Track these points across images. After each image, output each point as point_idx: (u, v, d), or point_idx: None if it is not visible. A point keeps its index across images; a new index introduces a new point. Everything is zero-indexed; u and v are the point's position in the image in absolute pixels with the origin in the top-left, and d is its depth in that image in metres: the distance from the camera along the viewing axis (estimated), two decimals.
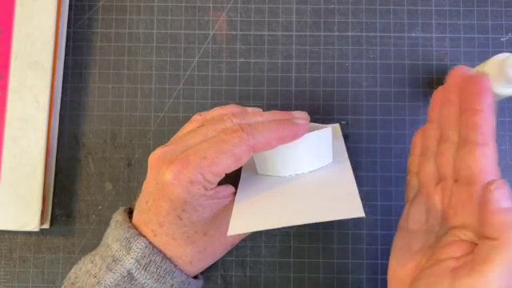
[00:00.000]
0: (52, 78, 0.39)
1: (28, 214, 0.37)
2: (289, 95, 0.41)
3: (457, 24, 0.41)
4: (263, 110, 0.40)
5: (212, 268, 0.38)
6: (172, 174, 0.27)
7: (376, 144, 0.40)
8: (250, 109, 0.33)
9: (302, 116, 0.32)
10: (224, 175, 0.28)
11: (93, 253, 0.31)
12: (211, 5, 0.41)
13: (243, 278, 0.39)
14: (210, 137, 0.29)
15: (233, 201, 0.30)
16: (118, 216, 0.31)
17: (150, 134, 0.41)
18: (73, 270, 0.31)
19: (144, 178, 0.40)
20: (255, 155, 0.32)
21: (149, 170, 0.30)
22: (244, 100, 0.41)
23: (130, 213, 0.33)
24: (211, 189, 0.28)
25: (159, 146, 0.40)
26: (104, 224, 0.40)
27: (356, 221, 0.39)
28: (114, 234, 0.30)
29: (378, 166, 0.40)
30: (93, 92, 0.41)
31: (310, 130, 0.31)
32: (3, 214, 0.37)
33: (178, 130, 0.40)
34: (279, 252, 0.39)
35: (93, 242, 0.40)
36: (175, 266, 0.29)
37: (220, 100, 0.41)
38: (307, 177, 0.31)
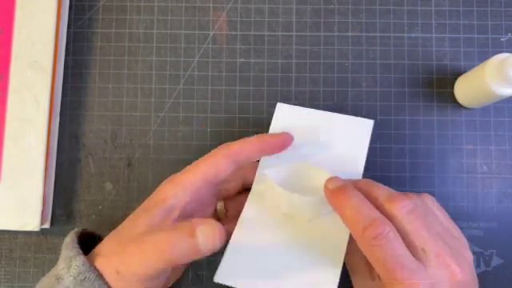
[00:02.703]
0: (52, 79, 0.39)
1: (28, 213, 0.37)
2: (289, 95, 0.41)
3: (456, 24, 0.41)
4: (263, 110, 0.41)
5: (211, 268, 0.38)
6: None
7: (376, 144, 0.40)
8: None
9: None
10: (205, 185, 0.31)
11: (46, 274, 0.32)
12: (211, 5, 0.42)
13: None
14: None
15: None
16: (68, 238, 0.32)
17: (150, 133, 0.41)
18: None
19: (144, 178, 0.40)
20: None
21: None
22: (244, 100, 0.41)
23: (83, 233, 0.34)
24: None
25: (159, 145, 0.40)
26: (104, 224, 0.40)
27: None
28: (62, 254, 0.31)
29: (378, 165, 0.40)
30: (93, 92, 0.41)
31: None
32: (3, 213, 0.37)
33: (178, 130, 0.41)
34: None
35: None
36: (107, 283, 0.30)
37: (220, 100, 0.41)
38: (304, 230, 0.33)
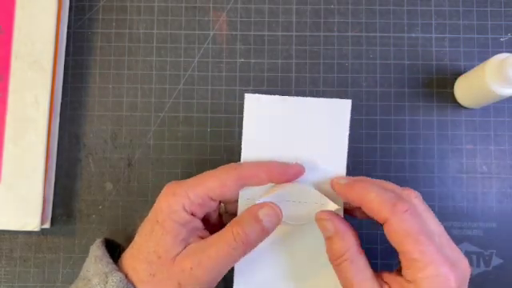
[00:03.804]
0: (52, 79, 0.39)
1: (29, 213, 0.37)
2: (289, 95, 0.41)
3: (456, 24, 0.41)
4: None
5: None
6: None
7: (376, 144, 0.40)
8: None
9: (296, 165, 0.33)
10: (209, 199, 0.31)
11: (73, 286, 0.32)
12: (211, 5, 0.42)
13: None
14: None
15: None
16: (98, 251, 0.32)
17: (150, 133, 0.41)
18: None
19: (144, 178, 0.40)
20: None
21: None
22: (244, 100, 0.40)
23: (107, 242, 0.34)
24: (192, 214, 0.31)
25: (159, 145, 0.40)
26: (105, 224, 0.40)
27: (355, 220, 0.39)
28: (95, 268, 0.31)
29: (378, 165, 0.40)
30: (93, 92, 0.41)
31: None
32: (4, 213, 0.37)
33: (178, 130, 0.41)
34: None
35: (93, 242, 0.40)
36: None
37: (220, 100, 0.41)
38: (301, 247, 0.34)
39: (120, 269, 0.31)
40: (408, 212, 0.28)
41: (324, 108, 0.35)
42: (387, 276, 0.29)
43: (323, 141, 0.35)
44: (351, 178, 0.33)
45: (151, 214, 0.32)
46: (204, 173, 0.32)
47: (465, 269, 0.29)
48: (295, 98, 0.35)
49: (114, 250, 0.34)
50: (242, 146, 0.35)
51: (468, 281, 0.30)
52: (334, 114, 0.35)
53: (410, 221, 0.28)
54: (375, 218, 0.29)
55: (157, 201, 0.32)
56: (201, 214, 0.32)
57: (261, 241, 0.31)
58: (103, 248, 0.33)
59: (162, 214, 0.31)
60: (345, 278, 0.29)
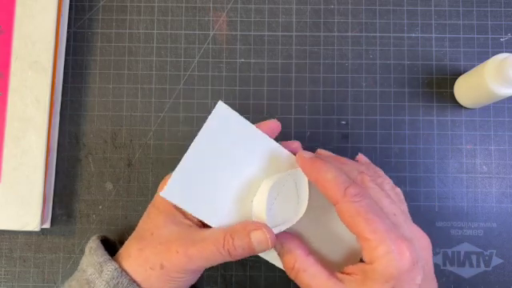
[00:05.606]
0: (52, 78, 0.39)
1: (29, 213, 0.37)
2: (289, 95, 0.41)
3: (456, 24, 0.41)
4: (263, 110, 0.41)
5: (212, 268, 0.38)
6: None
7: (376, 144, 0.40)
8: None
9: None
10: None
11: (70, 278, 0.33)
12: (211, 5, 0.42)
13: (243, 277, 0.39)
14: None
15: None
16: (92, 243, 0.33)
17: (150, 133, 0.41)
18: None
19: (144, 178, 0.40)
20: None
21: None
22: (244, 100, 0.41)
23: (103, 239, 0.35)
24: None
25: (159, 145, 0.40)
26: (105, 224, 0.40)
27: None
28: (89, 259, 0.32)
29: (378, 165, 0.40)
30: (93, 92, 0.41)
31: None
32: (4, 213, 0.37)
33: (178, 130, 0.40)
34: None
35: None
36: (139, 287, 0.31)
37: (220, 100, 0.41)
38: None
39: (115, 259, 0.32)
40: (359, 195, 0.28)
41: (215, 128, 0.31)
42: (350, 268, 0.30)
43: (248, 151, 0.32)
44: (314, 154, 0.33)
45: (150, 204, 0.34)
46: None
47: (423, 246, 0.30)
48: (191, 147, 0.31)
49: (112, 246, 0.35)
50: (203, 220, 0.32)
51: (431, 257, 0.30)
52: (226, 125, 0.32)
53: (359, 202, 0.28)
54: (327, 197, 0.30)
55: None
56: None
57: (246, 256, 0.30)
58: (98, 241, 0.33)
59: (157, 200, 0.33)
60: (304, 286, 0.30)
